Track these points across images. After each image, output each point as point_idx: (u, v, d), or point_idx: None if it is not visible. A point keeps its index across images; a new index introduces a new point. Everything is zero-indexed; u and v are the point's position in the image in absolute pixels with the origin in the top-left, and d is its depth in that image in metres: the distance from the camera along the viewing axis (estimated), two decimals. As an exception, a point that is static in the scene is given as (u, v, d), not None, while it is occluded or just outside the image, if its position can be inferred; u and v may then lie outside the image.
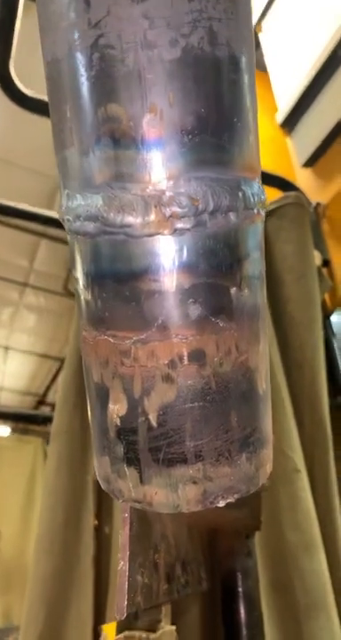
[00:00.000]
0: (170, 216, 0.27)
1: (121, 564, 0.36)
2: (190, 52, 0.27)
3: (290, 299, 0.98)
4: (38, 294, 3.73)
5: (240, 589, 0.63)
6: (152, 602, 0.44)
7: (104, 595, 0.83)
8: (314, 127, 1.69)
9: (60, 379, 0.96)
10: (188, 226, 0.28)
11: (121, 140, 0.27)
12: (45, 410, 4.64)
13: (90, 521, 0.83)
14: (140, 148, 0.27)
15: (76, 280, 0.32)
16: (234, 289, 0.30)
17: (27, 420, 2.68)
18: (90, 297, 0.31)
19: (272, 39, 1.84)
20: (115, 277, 0.30)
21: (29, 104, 1.00)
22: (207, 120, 0.27)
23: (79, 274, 0.32)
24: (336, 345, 1.16)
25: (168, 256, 0.29)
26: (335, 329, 1.19)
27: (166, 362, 0.30)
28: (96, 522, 0.85)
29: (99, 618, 0.81)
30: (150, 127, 0.27)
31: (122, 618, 0.36)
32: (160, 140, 0.27)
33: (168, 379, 0.30)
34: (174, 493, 0.31)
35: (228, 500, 0.32)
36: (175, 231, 0.28)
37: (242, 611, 0.62)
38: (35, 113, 1.01)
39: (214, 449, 0.31)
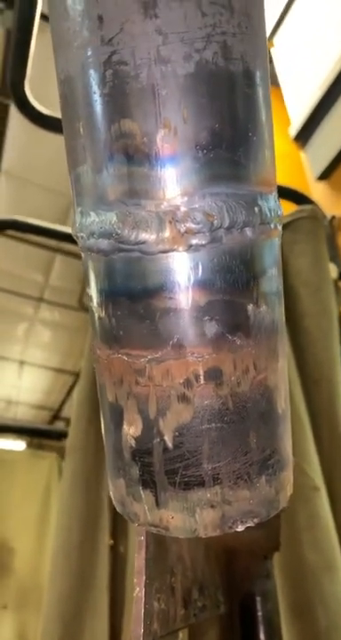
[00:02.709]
0: (185, 232, 0.27)
1: (136, 590, 0.35)
2: (204, 67, 0.26)
3: (306, 313, 0.96)
4: (53, 309, 3.76)
5: (259, 613, 0.61)
6: (169, 628, 0.42)
7: (119, 614, 0.82)
8: (328, 140, 1.69)
9: (75, 394, 0.96)
10: (203, 242, 0.27)
11: (134, 156, 0.27)
12: (60, 424, 4.65)
13: (105, 540, 0.82)
14: (154, 164, 0.27)
15: (90, 298, 0.32)
16: (251, 306, 0.29)
17: (42, 435, 2.68)
18: (103, 315, 0.30)
19: (284, 54, 1.85)
20: (130, 295, 0.29)
21: (45, 122, 1.02)
22: (221, 135, 0.27)
23: (93, 291, 0.31)
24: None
25: (183, 273, 0.28)
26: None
27: (182, 381, 0.29)
28: (111, 541, 0.84)
29: (115, 638, 0.79)
30: (164, 143, 0.26)
31: (138, 647, 0.34)
32: (174, 156, 0.27)
33: (184, 399, 0.29)
34: (191, 518, 0.30)
35: (247, 525, 0.31)
36: (190, 247, 0.27)
37: (262, 635, 0.60)
38: (51, 131, 1.02)
39: (232, 472, 0.30)
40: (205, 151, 0.27)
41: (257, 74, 0.28)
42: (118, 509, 0.34)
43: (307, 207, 1.09)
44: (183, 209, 0.27)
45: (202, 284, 0.28)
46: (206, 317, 0.28)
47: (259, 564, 0.61)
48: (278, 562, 0.75)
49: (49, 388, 4.58)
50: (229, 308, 0.29)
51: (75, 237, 0.31)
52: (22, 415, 4.77)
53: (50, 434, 2.31)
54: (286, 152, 1.79)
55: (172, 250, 0.27)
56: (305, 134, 1.78)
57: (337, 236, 1.38)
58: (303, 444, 0.81)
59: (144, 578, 0.35)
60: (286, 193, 1.19)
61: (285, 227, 1.02)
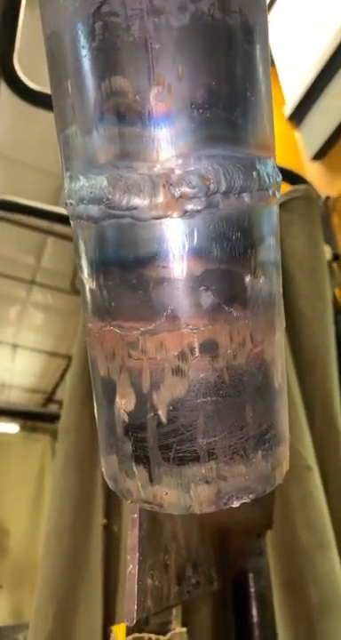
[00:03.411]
0: (180, 197, 0.26)
1: (130, 567, 0.35)
2: (200, 19, 0.25)
3: (301, 295, 0.96)
4: (45, 292, 3.73)
5: (252, 589, 0.62)
6: (162, 605, 0.42)
7: (113, 593, 0.82)
8: (323, 119, 1.66)
9: (68, 376, 0.95)
10: (199, 207, 0.26)
11: (126, 115, 0.25)
12: (53, 407, 4.65)
13: (98, 520, 0.82)
14: (147, 123, 0.25)
15: (80, 268, 0.30)
16: (249, 276, 0.28)
17: (36, 418, 2.69)
18: (95, 286, 0.29)
19: (279, 31, 1.81)
20: (122, 264, 0.28)
21: (35, 98, 0.99)
22: (218, 93, 0.26)
23: (83, 261, 0.30)
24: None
25: (177, 240, 0.27)
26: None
27: (176, 354, 0.28)
28: (105, 520, 0.84)
29: (109, 616, 0.80)
30: (157, 101, 0.25)
31: (132, 624, 0.34)
32: (168, 115, 0.25)
33: (178, 372, 0.28)
34: (186, 494, 0.29)
35: (243, 501, 0.30)
36: (185, 213, 0.26)
37: (255, 611, 0.61)
38: (41, 107, 0.99)
39: (228, 446, 0.29)
40: (201, 110, 0.25)
41: (257, 29, 0.27)
42: (110, 486, 0.33)
43: (302, 187, 1.08)
44: (177, 172, 0.25)
45: (198, 253, 0.27)
46: (202, 287, 0.27)
47: (253, 542, 0.61)
48: (271, 540, 0.76)
49: (42, 372, 4.56)
50: (226, 278, 0.28)
51: (63, 205, 0.30)
52: (16, 398, 4.76)
53: (43, 416, 2.30)
54: (280, 131, 1.76)
55: (166, 216, 0.26)
56: (299, 113, 1.76)
57: (331, 217, 1.37)
58: (296, 424, 0.82)
59: (137, 555, 0.35)
60: (280, 172, 1.17)
61: (280, 207, 1.00)
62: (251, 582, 0.61)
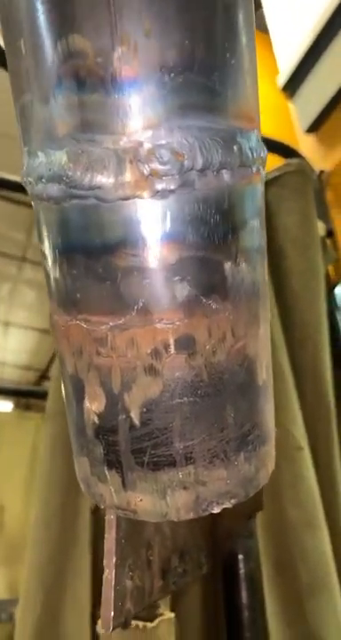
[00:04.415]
0: (150, 174, 0.22)
1: (106, 572, 0.33)
2: None
3: (293, 272, 0.94)
4: (37, 269, 3.68)
5: (241, 571, 0.61)
6: (144, 603, 0.40)
7: (101, 579, 0.81)
8: (318, 90, 1.60)
9: (55, 363, 0.93)
10: (172, 187, 0.23)
11: (87, 80, 0.22)
12: (47, 384, 4.65)
13: (86, 505, 0.81)
14: (111, 90, 0.22)
15: (43, 255, 0.27)
16: (229, 263, 0.25)
17: (30, 396, 2.68)
18: (58, 275, 0.26)
19: (273, -5, 1.73)
20: (86, 251, 0.25)
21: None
22: (193, 55, 0.22)
23: (46, 247, 0.27)
24: (339, 318, 1.12)
25: (148, 224, 0.24)
26: (338, 302, 1.15)
27: (149, 351, 0.25)
28: (92, 505, 0.83)
29: (97, 602, 0.79)
30: (122, 64, 0.21)
31: (109, 631, 0.32)
32: (135, 80, 0.22)
33: (151, 371, 0.25)
34: (162, 500, 0.27)
35: (224, 506, 0.28)
36: (156, 193, 0.23)
37: (244, 593, 0.60)
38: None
39: (207, 450, 0.27)
40: (172, 74, 0.22)
41: None
42: (83, 489, 0.31)
43: (295, 161, 1.05)
44: (146, 146, 0.22)
45: (172, 238, 0.24)
46: (176, 277, 0.24)
47: (243, 524, 0.60)
48: (261, 520, 0.75)
49: (35, 349, 4.54)
50: (203, 267, 0.25)
51: (23, 184, 0.26)
52: (9, 376, 4.75)
53: (37, 394, 2.29)
54: (273, 102, 1.70)
55: (134, 196, 0.23)
56: (293, 84, 1.69)
57: (325, 192, 1.34)
58: (287, 403, 0.80)
59: (114, 559, 0.33)
60: (273, 146, 1.14)
61: (272, 182, 0.97)
62: (241, 564, 0.60)
